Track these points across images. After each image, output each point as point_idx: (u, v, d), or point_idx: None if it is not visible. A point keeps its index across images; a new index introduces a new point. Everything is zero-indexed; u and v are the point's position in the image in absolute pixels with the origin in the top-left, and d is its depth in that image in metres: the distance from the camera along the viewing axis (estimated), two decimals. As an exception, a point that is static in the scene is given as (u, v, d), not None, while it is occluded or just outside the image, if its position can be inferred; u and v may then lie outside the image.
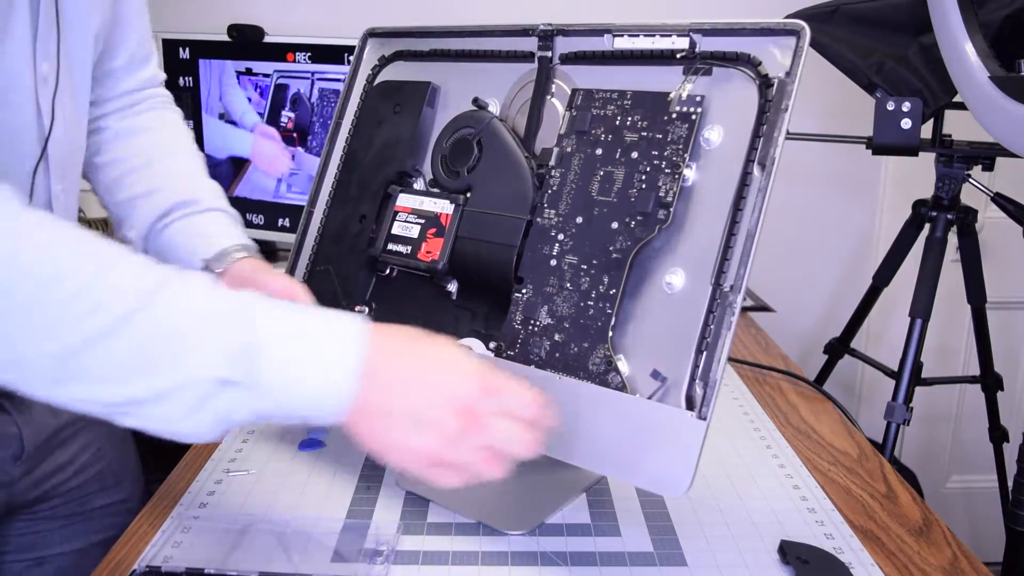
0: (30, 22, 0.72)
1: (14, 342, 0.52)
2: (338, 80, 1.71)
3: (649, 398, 0.69)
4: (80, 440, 0.92)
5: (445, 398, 0.59)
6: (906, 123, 1.40)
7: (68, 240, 0.54)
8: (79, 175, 0.85)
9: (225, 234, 0.87)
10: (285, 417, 0.58)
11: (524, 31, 0.83)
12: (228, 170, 1.81)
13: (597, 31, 0.79)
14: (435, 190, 0.87)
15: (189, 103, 1.80)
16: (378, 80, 0.95)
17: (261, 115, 1.77)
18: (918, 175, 1.81)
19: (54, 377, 0.53)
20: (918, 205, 1.60)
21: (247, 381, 0.55)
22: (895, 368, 1.54)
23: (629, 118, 0.75)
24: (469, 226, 0.82)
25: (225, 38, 1.77)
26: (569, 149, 0.78)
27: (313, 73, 1.73)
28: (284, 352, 0.56)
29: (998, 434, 1.75)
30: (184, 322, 0.55)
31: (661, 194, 0.72)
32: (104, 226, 1.72)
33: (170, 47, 1.79)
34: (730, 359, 0.97)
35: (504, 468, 0.61)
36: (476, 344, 0.79)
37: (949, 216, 1.53)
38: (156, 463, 1.03)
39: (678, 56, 0.74)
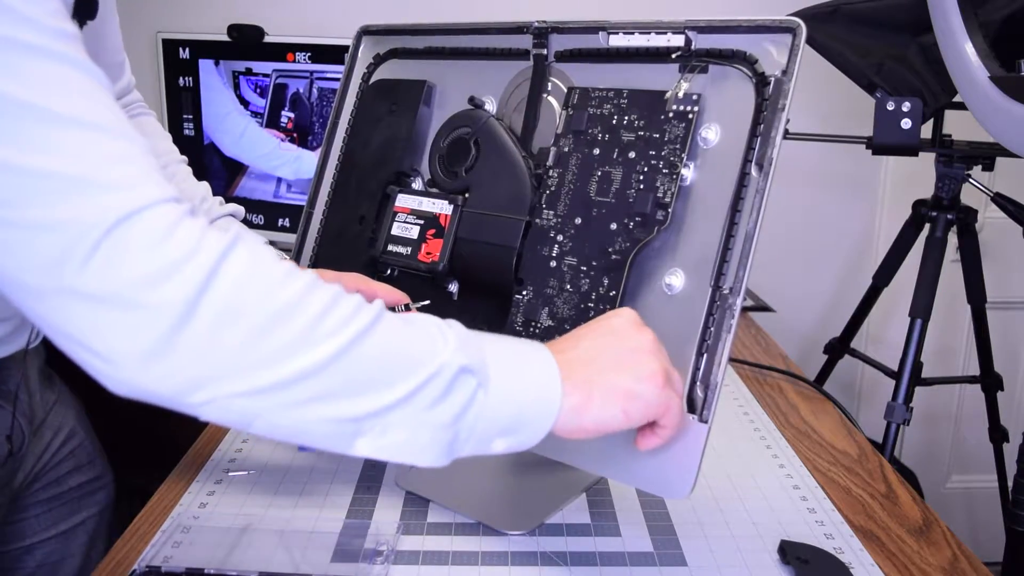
0: None
1: (264, 367, 0.51)
2: (338, 80, 1.71)
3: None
4: (55, 421, 0.94)
5: (627, 332, 0.63)
6: (906, 123, 1.40)
7: (292, 272, 0.54)
8: None
9: None
10: (508, 419, 0.59)
11: (518, 28, 0.83)
12: (227, 170, 1.81)
13: (592, 28, 0.78)
14: (433, 190, 0.87)
15: (189, 103, 1.80)
16: (373, 79, 0.95)
17: (261, 115, 1.77)
18: (918, 175, 1.81)
19: (295, 403, 0.53)
20: (918, 205, 1.60)
21: (479, 371, 0.56)
22: (895, 368, 1.54)
23: (626, 117, 0.75)
24: (468, 227, 0.82)
25: (225, 38, 1.77)
26: (566, 149, 0.78)
27: (312, 73, 1.74)
28: (502, 357, 0.59)
29: (998, 434, 1.75)
30: (412, 333, 0.57)
31: (659, 195, 0.71)
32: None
33: (170, 47, 1.79)
34: (730, 359, 0.97)
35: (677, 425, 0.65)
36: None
37: (949, 216, 1.53)
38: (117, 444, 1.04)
39: (673, 56, 0.74)
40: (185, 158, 0.96)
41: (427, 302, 0.84)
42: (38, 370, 0.93)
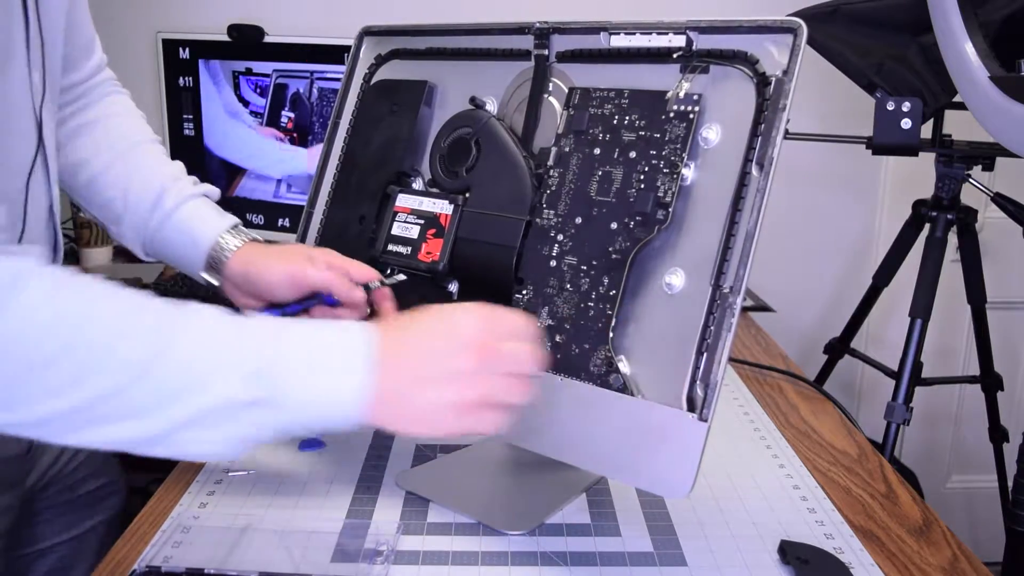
0: (24, 35, 0.72)
1: (34, 400, 0.54)
2: (338, 80, 1.70)
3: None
4: None
5: (453, 347, 0.61)
6: (906, 123, 1.40)
7: (82, 301, 0.56)
8: None
9: (209, 226, 0.86)
10: (308, 428, 0.60)
11: (520, 29, 0.83)
12: (227, 170, 1.81)
13: (593, 29, 0.78)
14: (434, 190, 0.87)
15: (189, 103, 1.80)
16: (374, 79, 0.95)
17: (261, 115, 1.77)
18: (918, 175, 1.81)
19: (75, 427, 0.55)
20: (918, 205, 1.60)
21: (267, 399, 0.57)
22: (895, 368, 1.54)
23: (627, 117, 0.75)
24: (468, 227, 0.82)
25: (225, 38, 1.77)
26: (567, 149, 0.78)
27: (313, 73, 1.73)
28: (297, 365, 0.58)
29: (998, 434, 1.75)
30: (199, 357, 0.56)
31: (660, 194, 0.71)
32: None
33: (170, 47, 1.79)
34: (730, 359, 0.97)
35: (527, 389, 0.63)
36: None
37: (949, 216, 1.53)
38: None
39: (675, 56, 0.74)
40: (159, 138, 0.95)
41: (401, 277, 0.84)
42: None
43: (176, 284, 1.68)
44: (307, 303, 0.81)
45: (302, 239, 0.95)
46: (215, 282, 0.85)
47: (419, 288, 0.86)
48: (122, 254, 1.93)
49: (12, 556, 0.91)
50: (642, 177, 0.73)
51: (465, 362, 0.61)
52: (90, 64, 0.93)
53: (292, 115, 1.75)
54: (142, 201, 0.87)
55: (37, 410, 0.54)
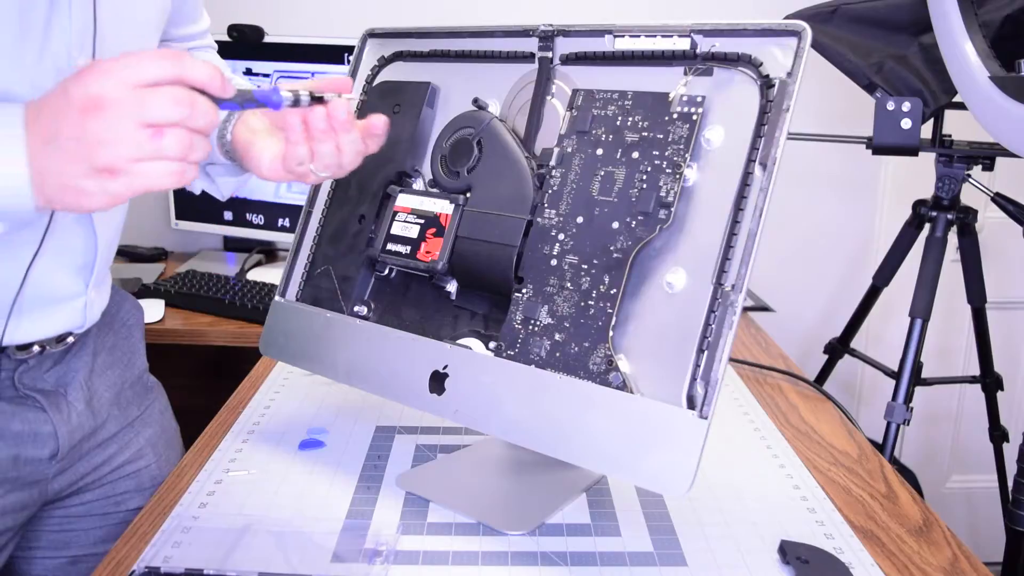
0: (68, 18, 0.71)
1: None
2: (338, 80, 1.70)
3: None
4: (119, 441, 0.92)
5: (75, 111, 0.57)
6: (906, 123, 1.40)
7: None
8: None
9: None
10: None
11: (524, 32, 0.83)
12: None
13: (598, 32, 0.79)
14: (435, 190, 0.87)
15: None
16: (377, 80, 0.95)
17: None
18: (918, 175, 1.81)
19: None
20: (918, 205, 1.60)
21: None
22: (895, 368, 1.54)
23: (630, 118, 0.75)
24: (469, 226, 0.82)
25: (225, 38, 1.77)
26: (570, 149, 0.78)
27: (313, 73, 1.73)
28: None
29: (998, 434, 1.75)
30: None
31: (662, 194, 0.72)
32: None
33: (170, 47, 1.79)
34: (730, 359, 0.97)
35: (175, 137, 0.58)
36: (476, 344, 0.79)
37: (949, 216, 1.53)
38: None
39: (678, 59, 0.74)
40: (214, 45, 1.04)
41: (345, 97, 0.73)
42: (115, 381, 0.92)
43: (176, 283, 1.69)
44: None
45: (300, 238, 0.95)
46: None
47: (418, 288, 0.87)
48: (122, 254, 1.93)
49: (38, 556, 0.91)
50: (644, 177, 0.73)
51: (93, 123, 0.56)
52: (194, 29, 0.97)
53: (292, 115, 1.75)
54: None
55: None
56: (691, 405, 0.67)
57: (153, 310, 1.55)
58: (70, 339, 0.84)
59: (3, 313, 0.76)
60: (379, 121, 0.75)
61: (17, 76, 0.69)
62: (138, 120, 0.56)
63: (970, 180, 1.51)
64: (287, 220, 1.78)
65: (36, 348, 0.81)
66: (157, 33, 0.87)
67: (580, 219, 0.75)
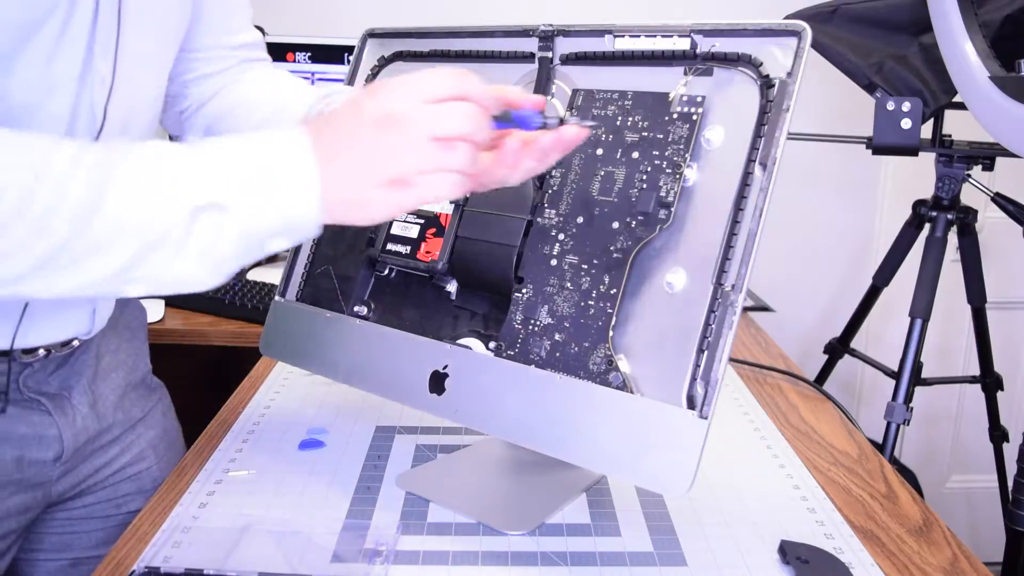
0: (90, 23, 0.71)
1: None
2: (338, 80, 1.70)
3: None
4: (121, 443, 0.92)
5: (372, 125, 0.60)
6: (906, 123, 1.40)
7: (17, 145, 0.57)
8: None
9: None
10: (267, 229, 0.61)
11: (524, 32, 0.83)
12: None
13: (598, 32, 0.79)
14: (435, 190, 0.87)
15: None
16: (378, 80, 0.95)
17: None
18: (918, 175, 1.81)
19: (47, 271, 0.58)
20: (918, 205, 1.60)
21: (218, 201, 0.59)
22: (895, 368, 1.54)
23: (630, 118, 0.75)
24: (469, 226, 0.82)
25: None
26: (569, 149, 0.78)
27: (313, 73, 1.73)
28: (243, 166, 0.60)
29: (998, 434, 1.75)
30: (142, 184, 0.58)
31: (662, 194, 0.72)
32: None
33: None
34: (730, 359, 0.97)
35: (464, 150, 0.61)
36: (476, 344, 0.79)
37: (949, 216, 1.53)
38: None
39: (678, 59, 0.74)
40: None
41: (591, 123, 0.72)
42: (119, 384, 0.92)
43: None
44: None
45: (302, 239, 0.95)
46: None
47: (418, 288, 0.87)
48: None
49: (39, 558, 0.90)
50: (644, 177, 0.73)
51: (387, 137, 0.60)
52: (239, 38, 0.96)
53: (292, 115, 1.75)
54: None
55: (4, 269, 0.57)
56: (691, 405, 0.67)
57: (153, 310, 1.55)
58: (75, 343, 0.84)
59: (14, 318, 0.76)
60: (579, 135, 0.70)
61: (16, 81, 0.68)
62: (430, 133, 0.60)
63: (970, 180, 1.52)
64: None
65: (41, 352, 0.81)
66: (177, 44, 0.86)
67: (580, 219, 0.75)
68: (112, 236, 0.57)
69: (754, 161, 0.68)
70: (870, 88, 1.46)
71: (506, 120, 0.65)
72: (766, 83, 0.69)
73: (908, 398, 1.50)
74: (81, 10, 0.69)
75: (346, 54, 1.71)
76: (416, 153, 0.60)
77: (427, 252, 0.83)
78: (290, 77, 0.97)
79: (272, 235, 0.61)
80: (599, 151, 0.76)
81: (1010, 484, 1.40)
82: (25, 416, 0.81)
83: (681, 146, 0.72)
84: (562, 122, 0.68)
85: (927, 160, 1.55)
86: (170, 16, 0.83)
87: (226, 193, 0.59)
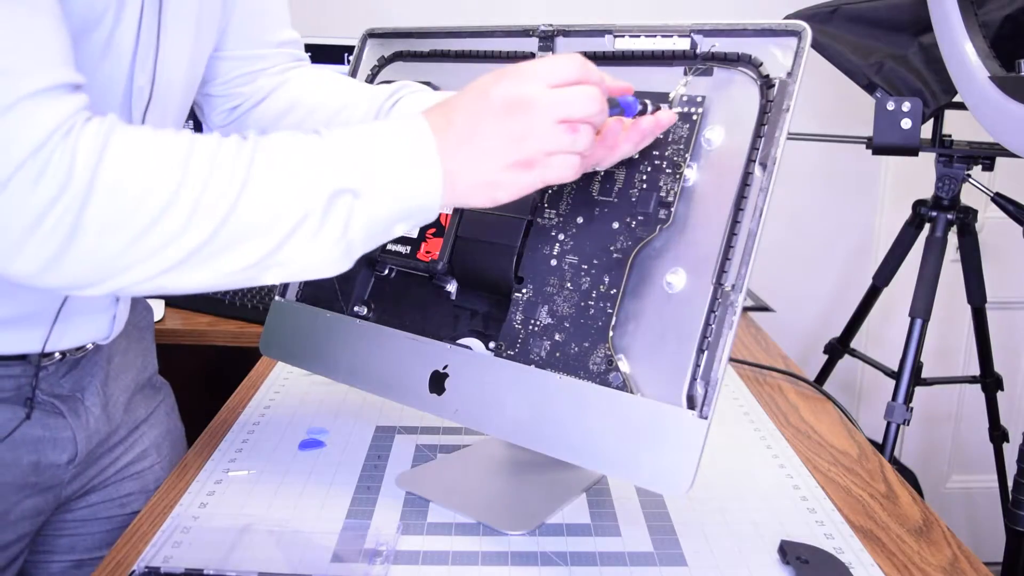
0: (133, 38, 0.71)
1: (149, 258, 0.57)
2: (338, 80, 1.70)
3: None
4: (125, 443, 0.92)
5: (495, 109, 0.62)
6: (906, 123, 1.40)
7: (160, 145, 0.58)
8: None
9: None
10: (395, 214, 0.62)
11: (525, 32, 0.83)
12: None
13: (598, 32, 0.79)
14: (435, 190, 0.87)
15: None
16: (377, 80, 0.95)
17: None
18: (918, 175, 1.81)
19: (192, 268, 0.59)
20: (918, 205, 1.60)
21: (352, 187, 0.60)
22: (895, 368, 1.54)
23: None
24: (469, 226, 0.82)
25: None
26: (569, 149, 0.78)
27: (313, 73, 1.73)
28: (372, 152, 0.61)
29: (998, 434, 1.75)
30: (282, 172, 0.59)
31: (662, 194, 0.72)
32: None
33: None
34: (730, 359, 0.97)
35: (583, 132, 0.63)
36: (476, 344, 0.79)
37: (949, 216, 1.53)
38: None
39: (678, 59, 0.74)
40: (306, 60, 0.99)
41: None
42: (128, 385, 0.92)
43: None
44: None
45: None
46: None
47: (417, 287, 0.86)
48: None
49: (42, 560, 0.90)
50: (644, 177, 0.73)
51: (515, 121, 0.61)
52: (278, 35, 0.95)
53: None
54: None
55: (149, 266, 0.57)
56: (691, 405, 0.67)
57: (153, 310, 1.55)
58: (89, 346, 0.84)
59: (48, 322, 0.77)
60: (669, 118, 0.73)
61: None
62: (558, 116, 0.61)
63: (970, 180, 1.52)
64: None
65: (57, 355, 0.81)
66: (207, 54, 0.86)
67: (580, 219, 0.75)
68: (256, 225, 0.58)
69: (754, 161, 0.68)
70: (870, 88, 1.46)
71: (613, 105, 0.67)
72: (766, 83, 0.69)
73: (908, 398, 1.50)
74: (126, 22, 0.70)
75: (346, 54, 1.70)
76: (544, 136, 0.61)
77: (427, 252, 0.83)
78: (344, 76, 0.96)
79: (398, 220, 0.62)
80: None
81: (1010, 484, 1.40)
82: (41, 419, 0.81)
83: (681, 146, 0.72)
84: (657, 108, 0.70)
85: (927, 160, 1.55)
86: (203, 26, 0.82)
87: (359, 178, 0.60)
